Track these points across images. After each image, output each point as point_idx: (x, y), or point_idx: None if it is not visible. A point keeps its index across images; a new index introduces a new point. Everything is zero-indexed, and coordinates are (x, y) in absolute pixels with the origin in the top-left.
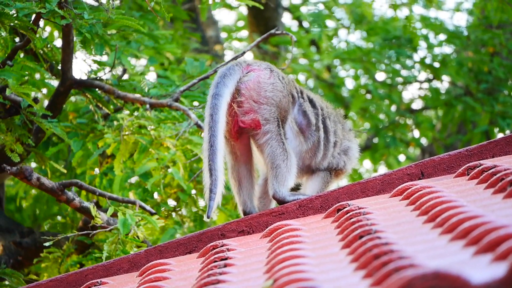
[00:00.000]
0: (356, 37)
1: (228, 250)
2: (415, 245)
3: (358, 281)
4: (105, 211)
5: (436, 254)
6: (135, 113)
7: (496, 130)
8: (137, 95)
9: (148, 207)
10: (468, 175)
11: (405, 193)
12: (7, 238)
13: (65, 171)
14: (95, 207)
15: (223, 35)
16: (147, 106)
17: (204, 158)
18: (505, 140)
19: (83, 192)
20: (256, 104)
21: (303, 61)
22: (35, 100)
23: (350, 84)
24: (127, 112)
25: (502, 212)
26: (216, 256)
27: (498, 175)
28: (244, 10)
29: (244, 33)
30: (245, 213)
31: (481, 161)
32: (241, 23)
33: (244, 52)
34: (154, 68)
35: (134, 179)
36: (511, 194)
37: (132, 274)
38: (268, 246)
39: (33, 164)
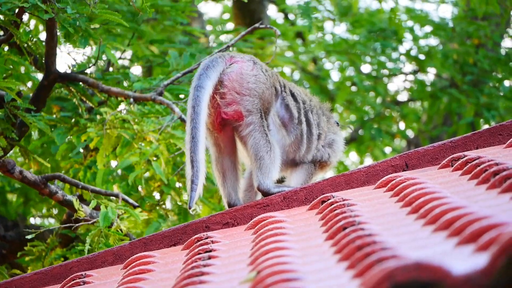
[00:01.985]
0: (341, 30)
1: (213, 242)
2: (398, 236)
3: (341, 273)
4: (89, 204)
5: (418, 245)
6: (119, 108)
7: (481, 121)
8: (121, 89)
9: (130, 200)
10: (452, 166)
11: (389, 185)
12: None
13: (48, 165)
14: (78, 200)
15: (209, 28)
16: (131, 100)
17: (186, 150)
18: (489, 132)
19: (67, 185)
20: (239, 95)
21: (288, 53)
22: (19, 94)
23: (335, 76)
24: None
25: (485, 203)
26: (200, 248)
27: (481, 166)
28: (229, 3)
29: (230, 25)
30: (229, 205)
31: (465, 153)
32: (226, 16)
33: (228, 46)
34: (140, 62)
35: (119, 172)
36: (494, 185)
37: (117, 266)
38: (253, 238)
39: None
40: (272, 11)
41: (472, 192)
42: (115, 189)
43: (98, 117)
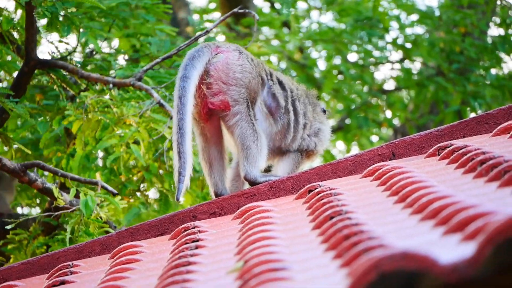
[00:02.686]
0: (328, 18)
1: (200, 232)
2: (385, 225)
3: (328, 262)
4: (69, 192)
5: (405, 234)
6: (100, 92)
7: (468, 110)
8: (100, 75)
9: (110, 188)
10: (439, 155)
11: (376, 174)
12: None
13: (29, 151)
14: (57, 188)
15: (195, 17)
16: (110, 85)
17: (173, 141)
18: (476, 120)
19: (50, 174)
20: (225, 85)
21: (275, 42)
22: None
23: (322, 65)
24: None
25: (472, 192)
26: (187, 238)
27: (468, 155)
28: None
29: (216, 15)
30: (216, 195)
31: (452, 141)
32: (212, 5)
33: (207, 31)
34: (126, 52)
35: (100, 159)
36: (481, 174)
37: (104, 256)
38: (240, 227)
39: None
40: (258, 0)
41: (459, 181)
42: (98, 176)
43: (77, 100)
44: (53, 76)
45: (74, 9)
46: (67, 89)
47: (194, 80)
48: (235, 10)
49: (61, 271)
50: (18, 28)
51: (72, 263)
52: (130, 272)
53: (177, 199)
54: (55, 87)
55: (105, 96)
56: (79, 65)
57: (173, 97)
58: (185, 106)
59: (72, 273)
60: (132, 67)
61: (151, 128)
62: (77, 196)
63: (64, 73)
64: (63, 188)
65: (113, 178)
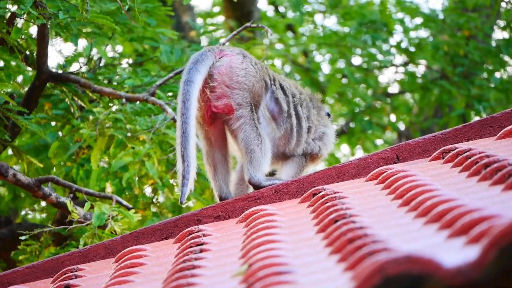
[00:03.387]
0: (332, 22)
1: (204, 235)
2: (389, 229)
3: (332, 266)
4: (82, 204)
5: (410, 237)
6: (112, 107)
7: (472, 113)
8: (113, 89)
9: (124, 202)
10: (443, 158)
11: (380, 177)
12: None
13: (41, 165)
14: (71, 202)
15: (199, 20)
16: (123, 100)
17: (176, 145)
18: (480, 124)
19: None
20: (229, 89)
21: (279, 46)
22: (11, 96)
23: (326, 68)
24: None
25: (476, 195)
26: (192, 241)
27: (472, 159)
28: None
29: (220, 18)
30: (221, 199)
31: (456, 145)
32: (216, 9)
33: (223, 44)
34: (130, 56)
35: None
36: (485, 177)
37: (109, 260)
38: (244, 231)
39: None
40: (262, 3)
41: (463, 184)
42: (108, 187)
43: (91, 117)
44: (64, 89)
45: (89, 29)
46: (77, 100)
47: (198, 84)
48: (248, 24)
49: (66, 275)
50: (26, 38)
51: (77, 267)
52: (134, 275)
53: (181, 202)
54: (66, 99)
55: (115, 109)
56: (90, 78)
57: (177, 101)
58: (188, 110)
59: (76, 277)
60: (141, 76)
61: (162, 140)
62: (91, 209)
63: (76, 87)
64: (74, 198)
65: (126, 191)
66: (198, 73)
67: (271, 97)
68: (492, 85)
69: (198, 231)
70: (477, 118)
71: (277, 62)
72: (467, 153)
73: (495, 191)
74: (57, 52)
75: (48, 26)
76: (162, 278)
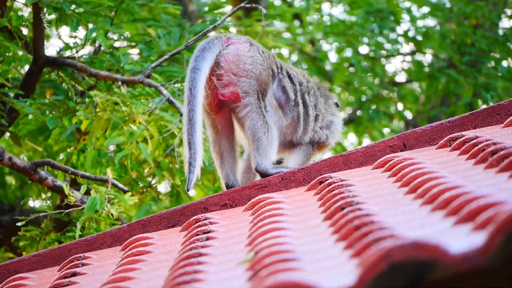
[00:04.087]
0: (339, 11)
1: (211, 223)
2: (395, 216)
3: (339, 253)
4: (80, 188)
5: (416, 224)
6: (109, 91)
7: (479, 102)
8: (109, 73)
9: (120, 185)
10: (450, 146)
11: (387, 165)
12: None
13: (40, 148)
14: (68, 185)
15: (206, 10)
16: (119, 83)
17: (183, 132)
18: (487, 112)
19: (60, 171)
20: (235, 77)
21: (286, 35)
22: (7, 80)
23: (333, 57)
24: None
25: (483, 182)
26: (198, 229)
27: (479, 146)
28: None
29: (228, 8)
30: (227, 187)
31: (463, 132)
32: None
33: (214, 27)
34: (132, 41)
35: (111, 155)
36: (492, 164)
37: (115, 248)
38: (251, 219)
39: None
40: None
41: (469, 171)
42: (109, 172)
43: (87, 99)
44: (61, 74)
45: (81, 10)
46: (76, 85)
47: (205, 71)
48: (243, 4)
49: (73, 263)
50: (27, 24)
51: (84, 255)
52: (141, 263)
53: (187, 190)
54: (64, 84)
55: (111, 92)
56: (87, 62)
57: (184, 88)
58: (195, 97)
59: (83, 265)
60: (141, 62)
61: (160, 125)
62: (87, 193)
63: (73, 71)
64: (74, 184)
65: (124, 175)
66: (205, 60)
67: (278, 85)
68: (499, 74)
69: (205, 219)
70: (484, 107)
71: (284, 51)
72: (474, 141)
73: (501, 178)
74: (57, 39)
75: (43, 8)
76: (168, 266)
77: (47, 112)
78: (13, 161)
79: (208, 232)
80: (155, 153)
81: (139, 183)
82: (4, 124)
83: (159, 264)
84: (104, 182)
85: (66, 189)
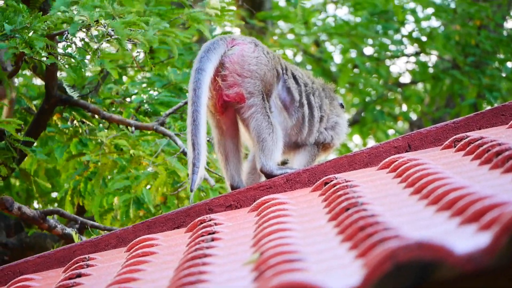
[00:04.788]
0: (343, 12)
1: (216, 224)
2: (400, 216)
3: (344, 253)
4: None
5: (421, 225)
6: (116, 132)
7: (484, 103)
8: (122, 117)
9: None
10: (454, 147)
11: (392, 166)
12: None
13: (49, 185)
14: (77, 233)
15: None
16: (132, 128)
17: (187, 132)
18: (492, 112)
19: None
20: (240, 77)
21: (291, 36)
22: (18, 131)
23: (338, 58)
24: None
25: (488, 183)
26: (203, 230)
27: (484, 147)
28: None
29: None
30: (232, 188)
31: (468, 133)
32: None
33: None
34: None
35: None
36: (497, 165)
37: (120, 249)
38: (256, 220)
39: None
40: None
41: (474, 172)
42: (116, 200)
43: (94, 142)
44: (74, 113)
45: (98, 68)
46: (87, 122)
47: (209, 72)
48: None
49: (78, 264)
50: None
51: (89, 256)
52: (146, 264)
53: (191, 190)
54: (74, 121)
55: (118, 134)
56: (99, 103)
57: (188, 89)
58: (199, 98)
59: (88, 266)
60: (147, 90)
61: (167, 167)
62: None
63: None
64: (81, 230)
65: (125, 217)
66: (209, 61)
67: (283, 86)
68: (504, 75)
69: (210, 220)
70: (488, 108)
71: (289, 52)
72: (479, 141)
73: (506, 179)
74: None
75: (57, 67)
76: (173, 267)
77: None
78: (22, 211)
79: (213, 233)
80: (162, 189)
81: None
82: (14, 168)
83: (164, 265)
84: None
85: (75, 237)
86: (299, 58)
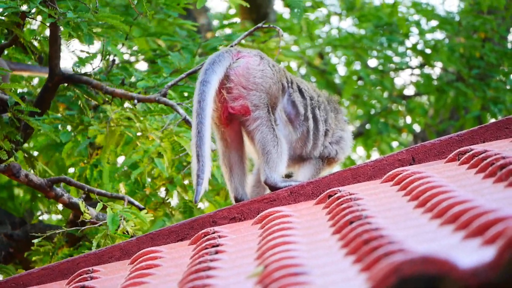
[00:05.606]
0: (348, 24)
1: (220, 237)
2: (405, 230)
3: (348, 266)
4: (95, 205)
5: (425, 238)
6: (123, 106)
7: (488, 115)
8: (125, 91)
9: (136, 203)
10: (459, 160)
11: (396, 179)
12: None
13: (52, 173)
14: (83, 202)
15: (215, 23)
16: (135, 101)
17: (191, 144)
18: (496, 125)
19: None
20: (245, 90)
21: (295, 48)
22: (22, 98)
23: (342, 70)
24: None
25: (492, 196)
26: (207, 243)
27: (488, 160)
28: None
29: (236, 20)
30: (236, 200)
31: (472, 146)
32: (233, 11)
33: (232, 46)
34: (145, 55)
35: (124, 168)
36: (501, 178)
37: (124, 261)
38: (260, 232)
39: None
40: (278, 5)
41: (479, 185)
42: (121, 187)
43: (101, 115)
44: (77, 91)
45: (99, 29)
46: (90, 100)
47: (214, 84)
48: (260, 25)
49: (81, 276)
50: (40, 38)
51: (92, 269)
52: (150, 277)
53: (195, 202)
54: (79, 102)
55: (126, 108)
56: (103, 80)
57: (193, 101)
58: (204, 110)
59: (92, 278)
60: (154, 78)
61: (174, 141)
62: (103, 210)
63: (88, 88)
64: (88, 199)
65: (138, 191)
66: (214, 73)
67: (288, 99)
68: (508, 87)
69: (214, 233)
70: (493, 121)
71: (293, 64)
72: (483, 155)
73: (510, 192)
74: (71, 53)
75: (60, 26)
76: (177, 280)
77: (60, 126)
78: (29, 178)
79: (217, 245)
80: (168, 169)
81: (152, 199)
82: (19, 141)
83: (168, 277)
84: (120, 199)
85: (82, 206)
86: (303, 70)
